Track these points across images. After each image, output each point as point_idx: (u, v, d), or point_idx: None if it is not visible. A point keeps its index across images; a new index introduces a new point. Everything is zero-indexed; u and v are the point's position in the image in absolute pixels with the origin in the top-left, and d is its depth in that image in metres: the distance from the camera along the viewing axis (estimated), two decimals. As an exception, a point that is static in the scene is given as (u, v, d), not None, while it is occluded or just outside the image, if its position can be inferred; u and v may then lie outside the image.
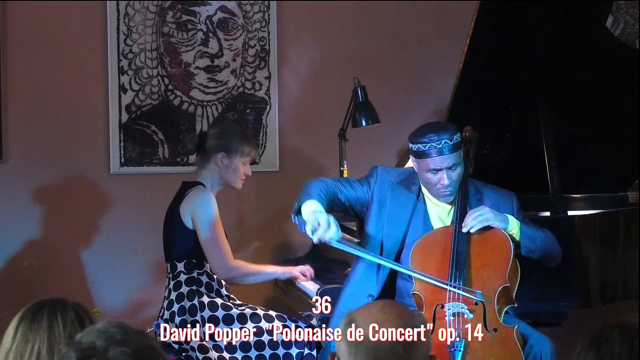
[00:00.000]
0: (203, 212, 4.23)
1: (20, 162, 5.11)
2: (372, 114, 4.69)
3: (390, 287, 3.83)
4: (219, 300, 4.22)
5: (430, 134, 3.70)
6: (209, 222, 4.22)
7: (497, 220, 3.67)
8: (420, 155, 3.73)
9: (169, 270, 4.31)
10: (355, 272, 3.85)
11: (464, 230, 3.65)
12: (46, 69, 5.13)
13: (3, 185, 5.11)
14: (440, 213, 3.84)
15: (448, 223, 3.81)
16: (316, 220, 3.57)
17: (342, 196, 3.84)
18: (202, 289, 4.23)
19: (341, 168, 4.68)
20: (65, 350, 1.85)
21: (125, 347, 1.83)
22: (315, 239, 3.60)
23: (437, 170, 3.71)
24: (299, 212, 3.70)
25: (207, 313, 4.18)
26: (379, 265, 3.77)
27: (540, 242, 3.75)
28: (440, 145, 3.68)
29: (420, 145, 3.71)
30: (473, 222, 3.64)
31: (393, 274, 3.79)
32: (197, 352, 4.05)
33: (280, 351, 4.14)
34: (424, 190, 3.85)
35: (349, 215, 4.03)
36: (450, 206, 3.83)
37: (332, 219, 3.59)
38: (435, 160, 3.70)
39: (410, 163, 4.27)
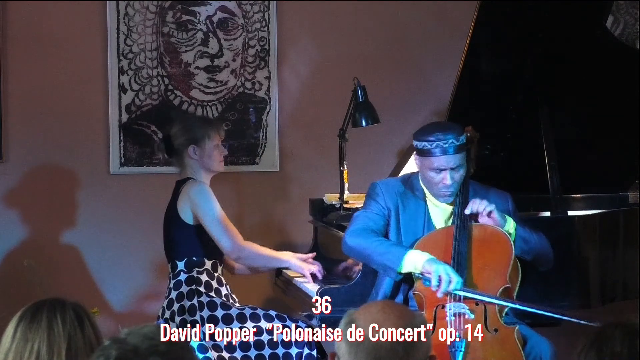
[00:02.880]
0: (202, 201, 4.25)
1: (20, 162, 5.11)
2: (372, 114, 4.68)
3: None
4: (218, 300, 4.22)
5: (437, 133, 3.71)
6: (210, 209, 4.25)
7: (498, 214, 3.67)
8: (425, 153, 3.73)
9: (170, 270, 4.32)
10: (382, 289, 3.83)
11: (466, 212, 3.65)
12: (46, 69, 5.13)
13: (3, 185, 5.10)
14: (442, 214, 3.84)
15: (449, 224, 3.81)
16: (437, 274, 3.53)
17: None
18: (202, 289, 4.23)
19: (341, 168, 4.67)
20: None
21: None
22: (440, 294, 3.55)
23: (440, 170, 3.71)
24: (398, 271, 3.65)
25: (206, 313, 4.18)
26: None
27: (534, 244, 3.74)
28: (446, 145, 3.68)
29: (426, 143, 3.71)
30: (480, 205, 3.64)
31: None
32: (196, 351, 4.05)
33: (280, 351, 4.14)
34: (425, 191, 3.85)
35: None
36: (452, 206, 3.82)
37: (449, 268, 3.55)
38: (440, 160, 3.70)
39: (409, 166, 4.27)
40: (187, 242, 4.28)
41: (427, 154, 3.71)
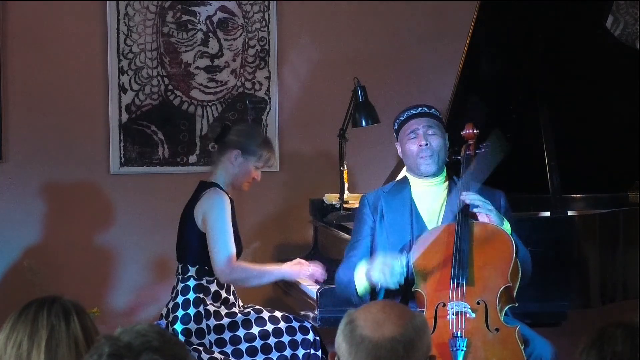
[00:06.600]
0: (214, 214, 4.14)
1: (20, 162, 5.11)
2: (372, 114, 4.69)
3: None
4: (223, 310, 4.17)
5: (408, 107, 3.85)
6: (218, 224, 4.13)
7: (497, 216, 3.66)
8: (400, 126, 3.83)
9: (180, 272, 4.23)
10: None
11: (462, 197, 3.64)
12: (46, 69, 5.13)
13: (3, 185, 5.10)
14: (429, 208, 3.83)
15: (438, 218, 3.80)
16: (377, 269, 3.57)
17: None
18: (208, 299, 4.15)
19: (341, 168, 4.68)
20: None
21: (158, 356, 1.81)
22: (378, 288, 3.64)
23: (415, 135, 3.76)
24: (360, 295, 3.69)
25: (212, 322, 4.10)
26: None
27: (522, 254, 3.73)
28: (416, 112, 3.81)
29: (400, 118, 3.84)
30: (478, 200, 3.64)
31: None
32: (202, 353, 4.02)
33: (288, 352, 4.10)
34: (411, 182, 3.85)
35: None
36: (442, 192, 3.82)
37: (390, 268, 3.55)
38: (410, 123, 3.80)
39: (403, 173, 4.27)
40: (201, 249, 4.16)
41: (402, 124, 3.82)
